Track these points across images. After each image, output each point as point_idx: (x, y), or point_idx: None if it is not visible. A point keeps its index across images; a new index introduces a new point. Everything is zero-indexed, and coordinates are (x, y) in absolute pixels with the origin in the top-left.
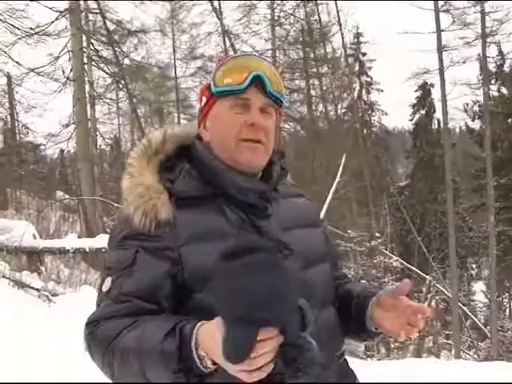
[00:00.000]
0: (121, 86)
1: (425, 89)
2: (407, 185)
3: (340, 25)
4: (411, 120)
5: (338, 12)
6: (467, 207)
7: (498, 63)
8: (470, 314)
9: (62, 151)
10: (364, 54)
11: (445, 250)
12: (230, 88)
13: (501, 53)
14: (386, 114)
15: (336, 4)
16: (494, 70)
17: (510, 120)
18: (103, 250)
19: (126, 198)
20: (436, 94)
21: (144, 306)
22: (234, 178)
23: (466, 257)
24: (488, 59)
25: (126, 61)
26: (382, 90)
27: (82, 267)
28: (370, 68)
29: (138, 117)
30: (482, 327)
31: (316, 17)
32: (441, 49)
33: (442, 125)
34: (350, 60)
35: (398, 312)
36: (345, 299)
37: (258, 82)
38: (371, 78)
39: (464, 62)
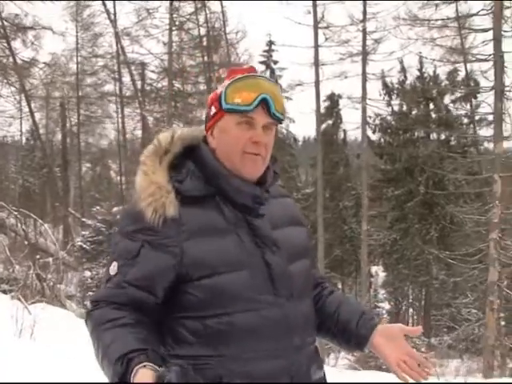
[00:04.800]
0: (9, 81)
1: (332, 99)
2: (313, 192)
3: (225, 34)
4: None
5: (224, 22)
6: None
7: (400, 79)
8: None
9: None
10: (276, 62)
11: (336, 256)
12: (238, 108)
13: (403, 69)
14: (294, 121)
15: (223, 13)
16: (397, 85)
17: (408, 134)
18: None
19: (139, 194)
20: (342, 104)
21: (138, 294)
22: (234, 182)
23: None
24: (392, 75)
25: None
26: (291, 98)
27: None
28: (280, 76)
29: (32, 112)
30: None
31: (216, 24)
32: (317, 63)
33: (316, 136)
34: (262, 67)
35: (397, 344)
36: (347, 314)
37: (264, 103)
38: (281, 87)
39: (346, 77)
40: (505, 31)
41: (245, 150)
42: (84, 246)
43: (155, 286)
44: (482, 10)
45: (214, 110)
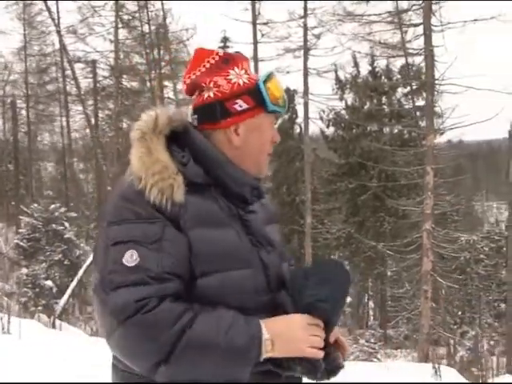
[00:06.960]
0: None
1: (289, 94)
2: (271, 186)
3: (166, 31)
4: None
5: (164, 19)
6: (322, 209)
7: (354, 74)
8: None
9: None
10: None
11: (293, 250)
12: (280, 109)
13: (356, 64)
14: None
15: (163, 11)
16: (349, 80)
17: (360, 128)
18: None
19: (139, 173)
20: (298, 100)
21: (181, 284)
22: (236, 172)
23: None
24: (330, 70)
25: None
26: None
27: None
28: None
29: None
30: None
31: (161, 21)
32: (257, 58)
33: None
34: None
35: None
36: None
37: None
38: None
39: (288, 72)
40: (434, 26)
41: (268, 152)
42: (20, 243)
43: (187, 271)
44: (414, 5)
45: (244, 104)
